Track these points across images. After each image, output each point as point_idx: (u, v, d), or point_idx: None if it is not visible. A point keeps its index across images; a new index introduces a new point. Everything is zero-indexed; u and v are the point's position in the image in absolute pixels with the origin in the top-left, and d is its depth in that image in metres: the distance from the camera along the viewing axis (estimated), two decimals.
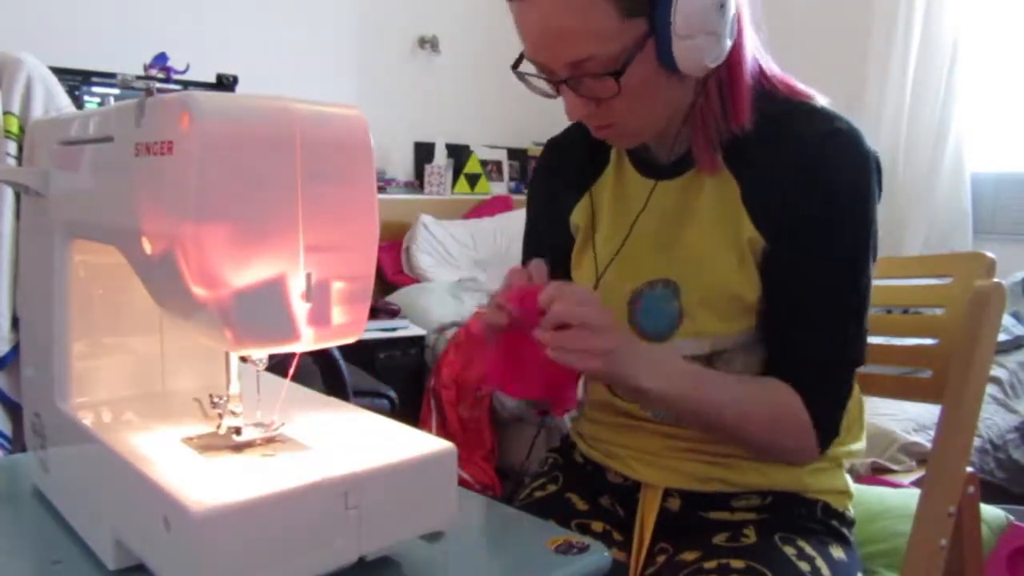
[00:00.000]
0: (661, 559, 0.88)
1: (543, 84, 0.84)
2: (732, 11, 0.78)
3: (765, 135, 0.83)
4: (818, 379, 0.83)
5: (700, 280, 0.86)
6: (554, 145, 1.05)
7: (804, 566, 0.81)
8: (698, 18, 0.75)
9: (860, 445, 0.95)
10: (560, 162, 1.02)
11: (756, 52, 0.86)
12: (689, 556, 0.84)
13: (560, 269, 0.98)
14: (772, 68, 0.87)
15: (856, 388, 0.90)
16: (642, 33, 0.76)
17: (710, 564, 0.81)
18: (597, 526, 0.92)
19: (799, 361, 0.84)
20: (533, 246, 1.04)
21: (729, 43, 0.79)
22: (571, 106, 0.82)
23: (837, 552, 0.86)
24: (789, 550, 0.83)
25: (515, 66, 0.83)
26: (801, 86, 0.87)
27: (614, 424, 0.94)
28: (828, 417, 0.84)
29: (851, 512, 0.93)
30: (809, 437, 0.83)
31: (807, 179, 0.81)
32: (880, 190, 0.83)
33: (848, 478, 0.94)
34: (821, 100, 0.86)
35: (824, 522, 0.88)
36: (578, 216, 0.97)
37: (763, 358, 0.87)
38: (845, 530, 0.90)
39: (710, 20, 0.76)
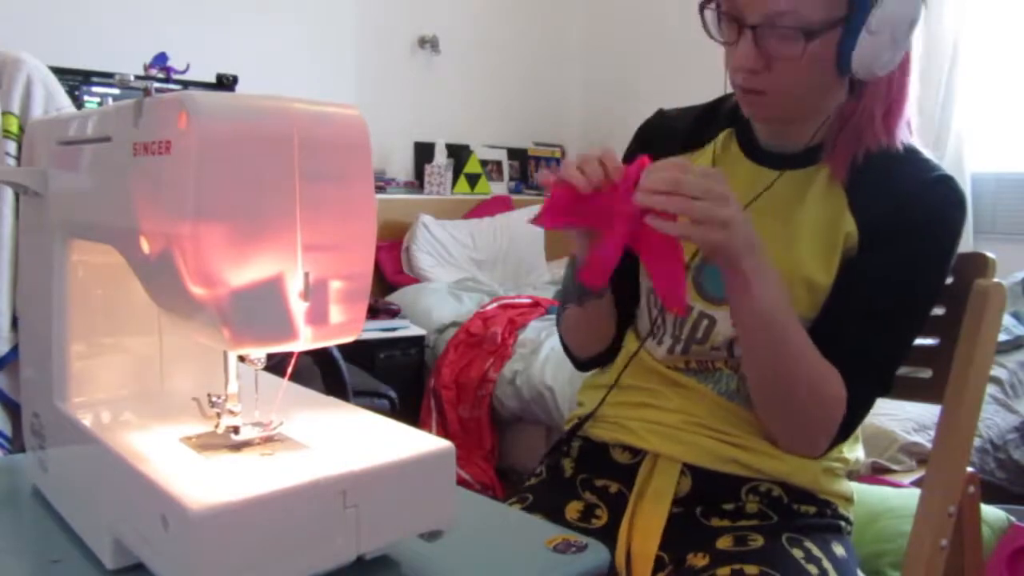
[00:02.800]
0: (668, 569, 0.87)
1: (721, 27, 0.85)
2: (914, 34, 0.82)
3: (878, 163, 0.87)
4: (863, 387, 0.85)
5: (779, 255, 0.86)
6: (662, 115, 1.05)
7: (813, 569, 0.81)
8: (891, 21, 0.79)
9: (859, 455, 0.96)
10: (665, 132, 1.02)
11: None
12: (698, 561, 0.83)
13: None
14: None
15: None
16: (841, 15, 0.79)
17: (723, 571, 0.80)
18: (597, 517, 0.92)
19: (853, 365, 0.85)
20: None
21: (898, 60, 0.83)
22: (742, 56, 0.82)
23: (839, 549, 0.86)
24: (797, 552, 0.83)
25: (703, 5, 0.85)
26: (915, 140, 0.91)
27: (631, 403, 0.94)
28: (853, 415, 0.85)
29: (851, 516, 0.94)
30: (834, 424, 0.84)
31: (907, 213, 0.85)
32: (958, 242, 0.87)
33: (848, 485, 0.95)
34: (925, 153, 0.90)
35: (828, 520, 0.89)
36: None
37: None
38: (844, 524, 0.91)
39: (900, 29, 0.80)
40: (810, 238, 0.88)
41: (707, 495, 0.88)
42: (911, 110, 0.89)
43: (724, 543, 0.85)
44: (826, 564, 0.82)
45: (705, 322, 0.91)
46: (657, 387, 0.94)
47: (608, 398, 0.97)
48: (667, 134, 1.01)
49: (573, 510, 0.93)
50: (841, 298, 0.86)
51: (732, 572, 0.80)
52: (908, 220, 0.85)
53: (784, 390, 0.84)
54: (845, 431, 0.86)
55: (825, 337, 0.85)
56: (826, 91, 0.87)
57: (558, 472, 0.99)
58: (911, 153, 0.89)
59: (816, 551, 0.84)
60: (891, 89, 0.87)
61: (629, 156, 1.03)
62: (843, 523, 0.91)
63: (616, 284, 0.93)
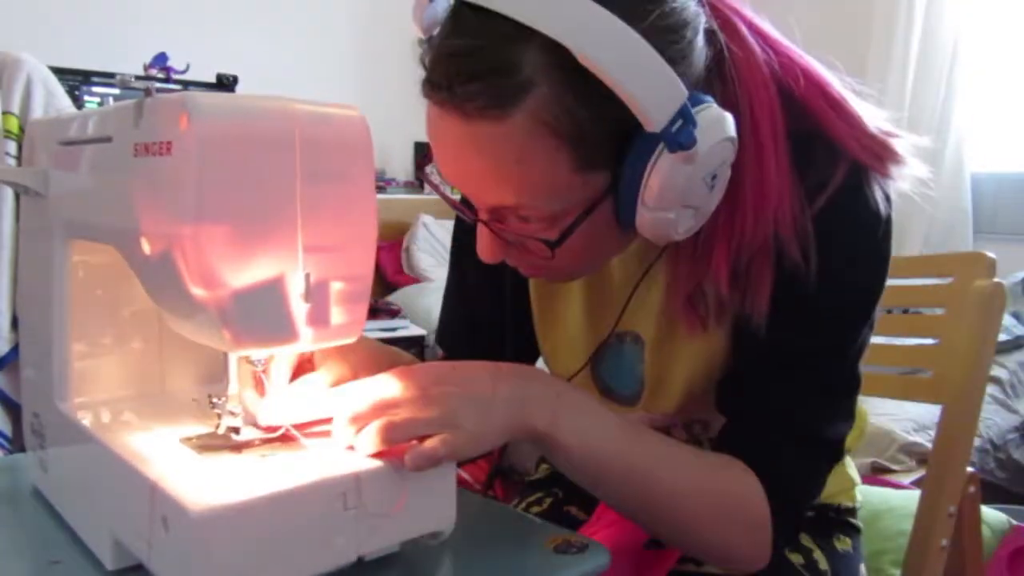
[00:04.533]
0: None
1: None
2: (726, 177, 0.61)
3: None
4: (791, 457, 0.68)
5: (664, 341, 0.74)
6: None
7: (796, 558, 0.79)
8: (676, 191, 0.58)
9: (859, 442, 0.93)
10: None
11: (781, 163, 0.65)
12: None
13: (488, 333, 0.85)
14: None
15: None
16: (599, 191, 0.60)
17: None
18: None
19: (770, 432, 0.68)
20: (460, 309, 0.90)
21: (712, 208, 0.62)
22: (485, 247, 0.65)
23: (842, 544, 0.84)
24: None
25: (424, 164, 0.70)
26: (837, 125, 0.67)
27: None
28: (791, 509, 0.69)
29: (859, 499, 0.90)
30: (763, 535, 0.67)
31: (813, 272, 0.65)
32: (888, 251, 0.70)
33: (852, 470, 0.92)
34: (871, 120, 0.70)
35: (830, 517, 0.87)
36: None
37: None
38: (851, 518, 0.88)
39: (692, 194, 0.59)
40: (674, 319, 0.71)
41: None
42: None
43: None
44: (818, 555, 0.80)
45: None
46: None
47: None
48: None
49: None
50: (747, 366, 0.70)
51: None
52: (803, 292, 0.65)
53: (671, 526, 0.68)
54: (783, 532, 0.68)
55: (739, 414, 0.71)
56: (622, 244, 0.68)
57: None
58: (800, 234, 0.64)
59: (807, 542, 0.81)
60: (725, 210, 0.64)
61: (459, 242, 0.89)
62: (849, 517, 0.88)
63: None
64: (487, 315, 0.86)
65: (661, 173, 0.57)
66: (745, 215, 0.64)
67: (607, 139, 0.58)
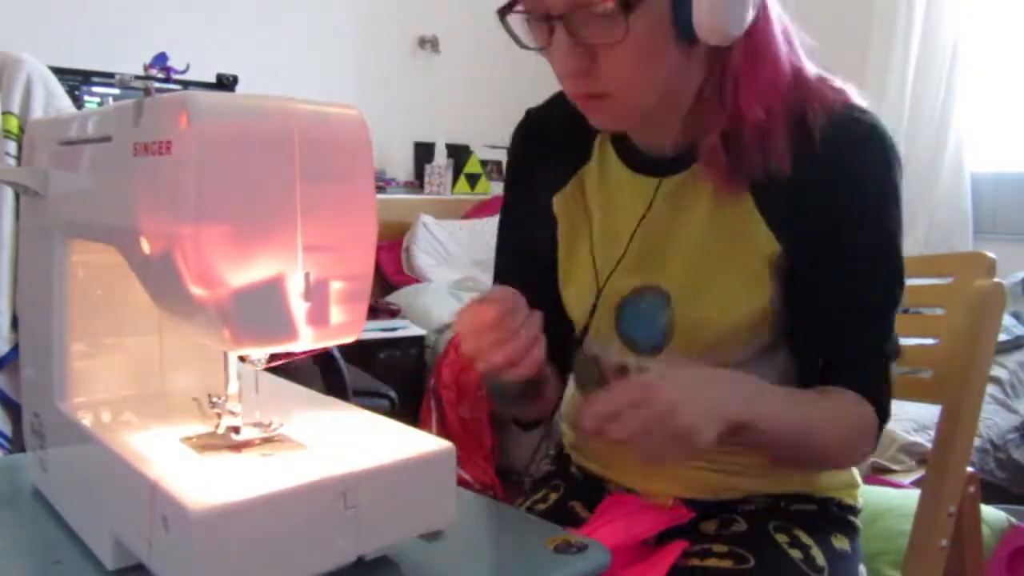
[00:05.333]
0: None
1: (532, 31, 0.74)
2: None
3: (775, 147, 0.75)
4: (874, 372, 0.81)
5: (698, 302, 0.80)
6: (534, 115, 0.95)
7: (796, 553, 0.80)
8: None
9: None
10: (542, 136, 0.92)
11: (788, 42, 0.77)
12: (679, 543, 0.82)
13: (536, 269, 0.91)
14: (806, 67, 0.78)
15: None
16: None
17: (694, 548, 0.80)
18: None
19: (853, 362, 0.80)
20: (510, 243, 0.97)
21: (753, 14, 0.70)
22: (562, 58, 0.71)
23: (840, 542, 0.85)
24: (782, 538, 0.81)
25: (504, 11, 0.73)
26: (835, 83, 0.79)
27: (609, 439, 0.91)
28: (886, 412, 0.82)
29: (860, 501, 0.91)
30: (874, 440, 0.82)
31: (830, 178, 0.75)
32: (901, 178, 0.80)
33: (854, 469, 0.92)
34: (854, 97, 0.79)
35: (830, 514, 0.87)
36: (563, 204, 0.89)
37: (781, 368, 0.83)
38: (851, 517, 0.89)
39: None
40: (730, 267, 0.78)
41: (700, 515, 0.86)
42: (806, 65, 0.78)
43: (708, 527, 0.84)
44: (816, 552, 0.80)
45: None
46: None
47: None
48: (544, 142, 0.92)
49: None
50: (806, 306, 0.79)
51: (701, 551, 0.80)
52: (842, 207, 0.76)
53: (821, 461, 0.83)
54: (884, 420, 0.82)
55: (812, 346, 0.81)
56: (678, 74, 0.74)
57: (566, 474, 0.98)
58: (806, 117, 0.75)
59: (806, 539, 0.82)
60: (752, 43, 0.73)
61: (513, 170, 0.97)
62: (850, 516, 0.88)
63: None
64: (535, 251, 0.92)
65: None
66: (765, 65, 0.74)
67: None
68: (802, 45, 0.79)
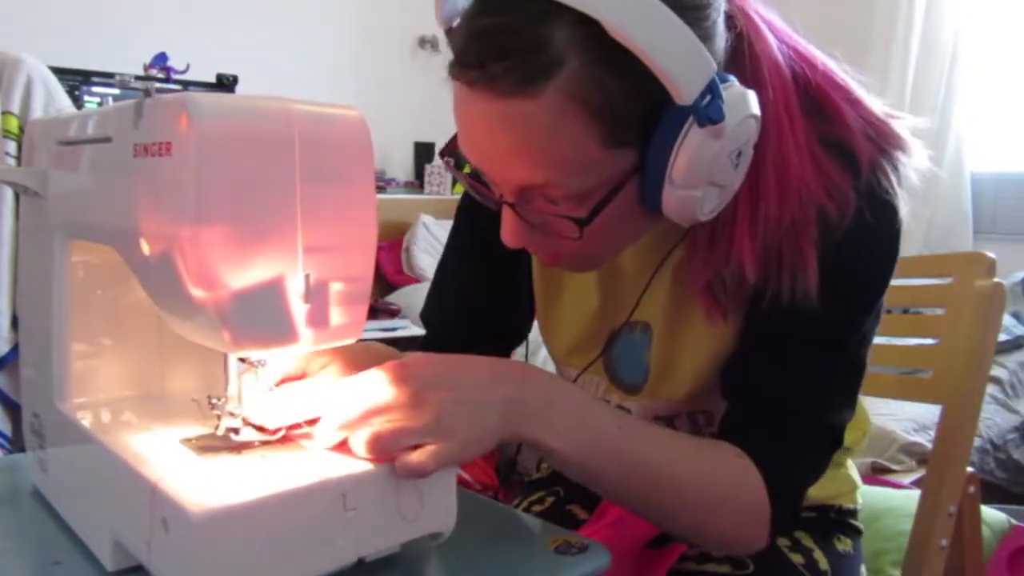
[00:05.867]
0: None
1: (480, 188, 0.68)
2: (749, 155, 0.61)
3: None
4: (788, 443, 0.69)
5: (675, 340, 0.75)
6: None
7: (797, 558, 0.79)
8: (703, 168, 0.58)
9: (852, 439, 0.89)
10: None
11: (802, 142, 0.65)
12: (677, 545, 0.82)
13: (498, 296, 0.86)
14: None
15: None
16: (626, 169, 0.60)
17: (693, 552, 0.80)
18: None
19: (769, 419, 0.69)
20: (467, 267, 0.89)
21: (736, 187, 0.62)
22: (510, 231, 0.65)
23: (843, 545, 0.84)
24: (783, 541, 0.81)
25: (445, 152, 0.68)
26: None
27: None
28: (790, 494, 0.70)
29: (860, 501, 0.90)
30: (760, 520, 0.67)
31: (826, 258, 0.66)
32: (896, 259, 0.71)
33: (853, 471, 0.92)
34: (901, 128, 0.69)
35: (830, 518, 0.87)
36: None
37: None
38: (852, 520, 0.88)
39: (719, 171, 0.59)
40: (683, 308, 0.73)
41: None
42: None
43: None
44: (818, 555, 0.80)
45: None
46: None
47: None
48: None
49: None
50: (751, 352, 0.71)
51: (700, 555, 0.79)
52: (826, 281, 0.66)
53: (671, 516, 0.68)
54: (781, 520, 0.69)
55: (740, 400, 0.72)
56: (645, 228, 0.68)
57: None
58: (831, 213, 0.65)
59: (808, 542, 0.81)
60: (752, 183, 0.64)
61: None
62: (850, 519, 0.88)
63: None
64: (475, 295, 0.87)
65: (689, 149, 0.57)
66: (768, 195, 0.64)
67: (636, 115, 0.58)
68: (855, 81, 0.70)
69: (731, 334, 0.72)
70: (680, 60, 0.55)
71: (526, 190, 0.62)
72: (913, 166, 0.70)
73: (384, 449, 0.55)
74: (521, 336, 0.92)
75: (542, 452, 0.62)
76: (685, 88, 0.56)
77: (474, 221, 0.87)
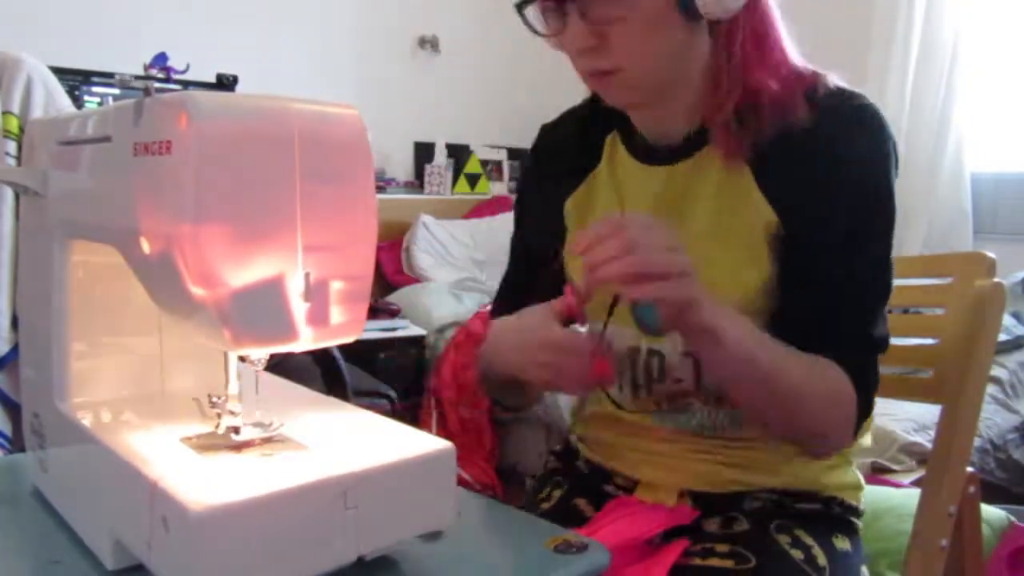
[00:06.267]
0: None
1: (546, 20, 0.79)
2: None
3: (775, 123, 0.79)
4: (859, 360, 0.80)
5: (701, 278, 0.78)
6: (549, 130, 1.00)
7: (797, 554, 0.80)
8: None
9: (867, 442, 0.93)
10: (556, 147, 0.97)
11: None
12: (680, 542, 0.83)
13: (548, 269, 0.94)
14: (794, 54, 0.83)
15: None
16: None
17: (695, 548, 0.81)
18: None
19: (838, 344, 0.79)
20: (523, 244, 1.01)
21: None
22: (574, 37, 0.76)
23: (841, 543, 0.85)
24: (783, 538, 0.82)
25: (522, 4, 0.78)
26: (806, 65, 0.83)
27: (619, 429, 0.92)
28: (867, 402, 0.80)
29: (862, 504, 0.91)
30: (852, 422, 0.79)
31: (832, 175, 0.78)
32: (896, 172, 0.82)
33: (858, 472, 0.93)
34: (833, 79, 0.82)
35: (832, 514, 0.87)
36: (575, 205, 0.92)
37: None
38: (853, 518, 0.89)
39: None
40: (730, 241, 0.81)
41: (706, 511, 0.86)
42: (789, 33, 0.82)
43: (710, 526, 0.85)
44: (817, 552, 0.81)
45: (656, 360, 0.86)
46: (637, 419, 0.90)
47: (592, 419, 0.96)
48: (556, 152, 0.96)
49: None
50: (798, 285, 0.80)
51: (703, 550, 0.80)
52: (836, 183, 0.78)
53: (791, 417, 0.78)
54: (865, 413, 0.81)
55: (800, 329, 0.79)
56: (683, 49, 0.79)
57: (571, 471, 0.99)
58: (811, 92, 0.80)
59: (808, 539, 0.82)
60: (755, 20, 0.79)
61: (526, 181, 1.04)
62: (851, 517, 0.89)
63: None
64: (546, 257, 0.94)
65: None
66: (771, 43, 0.79)
67: None
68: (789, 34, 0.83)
69: (752, 280, 0.80)
70: None
71: None
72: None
73: (640, 260, 0.66)
74: None
75: (708, 343, 0.72)
76: None
77: (525, 225, 1.00)
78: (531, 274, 0.97)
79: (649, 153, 0.87)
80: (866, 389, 0.80)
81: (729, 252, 0.81)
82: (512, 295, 0.97)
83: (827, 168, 0.78)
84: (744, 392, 0.78)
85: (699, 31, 0.78)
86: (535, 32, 0.80)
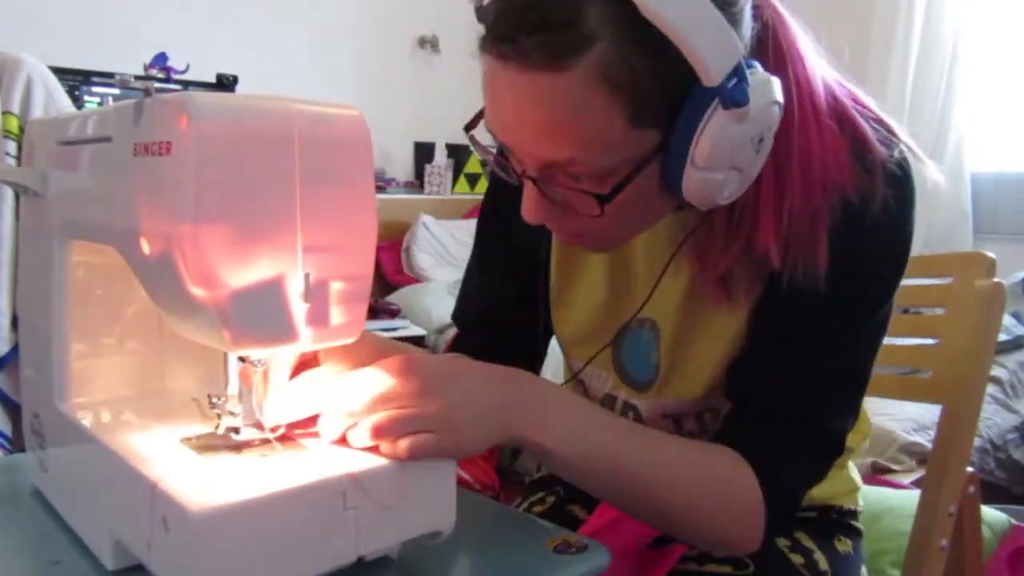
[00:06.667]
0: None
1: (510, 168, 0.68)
2: (770, 142, 0.62)
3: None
4: (785, 445, 0.69)
5: (685, 341, 0.75)
6: None
7: (797, 558, 0.80)
8: (726, 151, 0.59)
9: (853, 440, 0.88)
10: None
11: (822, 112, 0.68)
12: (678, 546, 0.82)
13: (518, 304, 0.87)
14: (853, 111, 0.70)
15: None
16: (649, 149, 0.60)
17: (693, 552, 0.80)
18: None
19: (767, 420, 0.69)
20: (488, 276, 0.92)
21: (755, 174, 0.63)
22: (531, 207, 0.66)
23: (843, 546, 0.84)
24: (783, 542, 0.81)
25: (469, 126, 0.69)
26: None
27: None
28: (785, 496, 0.69)
29: (860, 504, 0.91)
30: (754, 521, 0.67)
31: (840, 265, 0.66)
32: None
33: (855, 473, 0.92)
34: (901, 139, 0.71)
35: (831, 519, 0.87)
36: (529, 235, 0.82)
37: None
38: (853, 521, 0.88)
39: (741, 155, 0.60)
40: (703, 300, 0.73)
41: None
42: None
43: None
44: (818, 556, 0.80)
45: (631, 414, 0.83)
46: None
47: None
48: None
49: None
50: (756, 350, 0.72)
51: (700, 555, 0.80)
52: (842, 272, 0.67)
53: (662, 517, 0.68)
54: (775, 522, 0.68)
55: (743, 401, 0.72)
56: (662, 211, 0.68)
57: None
58: (861, 156, 0.67)
59: (808, 542, 0.82)
60: (776, 169, 0.66)
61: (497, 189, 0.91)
62: (851, 520, 0.88)
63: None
64: (504, 294, 0.89)
65: (713, 131, 0.58)
66: (793, 181, 0.65)
67: (662, 96, 0.59)
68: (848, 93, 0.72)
69: (741, 334, 0.73)
70: (709, 42, 0.56)
71: (550, 166, 0.62)
72: (918, 169, 0.72)
73: (389, 432, 0.56)
74: (541, 354, 0.93)
75: (538, 454, 0.63)
76: (713, 70, 0.56)
77: (495, 228, 0.91)
78: (505, 268, 0.90)
79: None
80: (788, 485, 0.69)
81: (715, 317, 0.74)
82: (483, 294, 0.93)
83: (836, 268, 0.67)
84: (595, 491, 0.69)
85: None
86: (483, 163, 0.74)
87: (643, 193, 0.63)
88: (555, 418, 0.63)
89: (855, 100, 0.71)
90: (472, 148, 0.71)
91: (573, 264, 0.84)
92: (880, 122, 0.71)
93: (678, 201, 0.64)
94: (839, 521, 0.87)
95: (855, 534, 0.88)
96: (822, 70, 0.70)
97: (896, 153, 0.69)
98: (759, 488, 0.67)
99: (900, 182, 0.68)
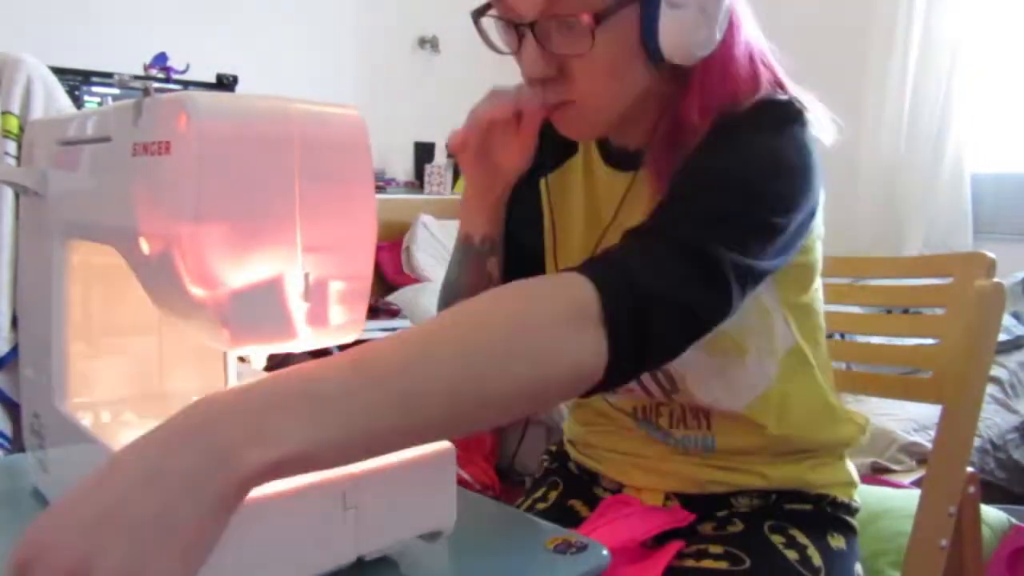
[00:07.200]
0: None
1: (504, 35, 0.75)
2: (728, 9, 0.71)
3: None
4: (634, 248, 0.64)
5: None
6: None
7: (792, 554, 0.80)
8: None
9: (850, 433, 0.89)
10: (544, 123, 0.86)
11: (758, 63, 0.76)
12: (675, 544, 0.83)
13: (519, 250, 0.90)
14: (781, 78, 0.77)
15: (818, 375, 0.85)
16: None
17: (690, 550, 0.81)
18: None
19: (636, 232, 0.66)
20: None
21: (719, 37, 0.71)
22: (530, 64, 0.72)
23: (836, 542, 0.85)
24: (777, 538, 0.82)
25: (477, 14, 0.76)
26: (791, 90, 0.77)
27: (605, 431, 0.93)
28: (626, 291, 0.58)
29: (857, 501, 0.91)
30: (587, 326, 0.56)
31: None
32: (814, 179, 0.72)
33: (852, 468, 0.92)
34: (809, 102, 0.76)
35: (825, 513, 0.87)
36: (551, 184, 0.89)
37: (779, 334, 0.80)
38: (848, 517, 0.88)
39: (709, 2, 0.69)
40: None
41: (700, 512, 0.86)
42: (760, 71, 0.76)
43: (705, 528, 0.85)
44: (812, 552, 0.81)
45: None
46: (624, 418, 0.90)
47: (580, 418, 0.96)
48: (544, 141, 0.85)
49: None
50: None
51: (697, 551, 0.80)
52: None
53: (488, 402, 0.53)
54: (625, 297, 0.58)
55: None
56: (644, 88, 0.75)
57: (565, 471, 0.99)
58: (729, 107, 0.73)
59: (802, 539, 0.82)
60: (713, 64, 0.73)
61: None
62: (845, 515, 0.88)
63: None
64: (522, 231, 0.90)
65: None
66: (721, 81, 0.74)
67: None
68: (788, 72, 0.77)
69: None
70: None
71: (547, 7, 0.69)
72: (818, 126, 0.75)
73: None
74: None
75: (307, 465, 0.46)
76: None
77: None
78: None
79: (617, 157, 0.85)
80: (629, 280, 0.59)
81: None
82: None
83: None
84: (425, 435, 0.52)
85: (661, 70, 0.74)
86: (493, 48, 0.78)
87: (625, 43, 0.70)
88: (289, 412, 0.45)
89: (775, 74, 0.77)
90: (479, 34, 0.78)
91: (563, 219, 0.88)
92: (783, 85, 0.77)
93: (655, 64, 0.72)
94: (833, 516, 0.87)
95: (849, 531, 0.88)
96: (758, 35, 0.77)
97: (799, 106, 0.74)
98: (588, 290, 0.58)
99: (798, 117, 0.73)
